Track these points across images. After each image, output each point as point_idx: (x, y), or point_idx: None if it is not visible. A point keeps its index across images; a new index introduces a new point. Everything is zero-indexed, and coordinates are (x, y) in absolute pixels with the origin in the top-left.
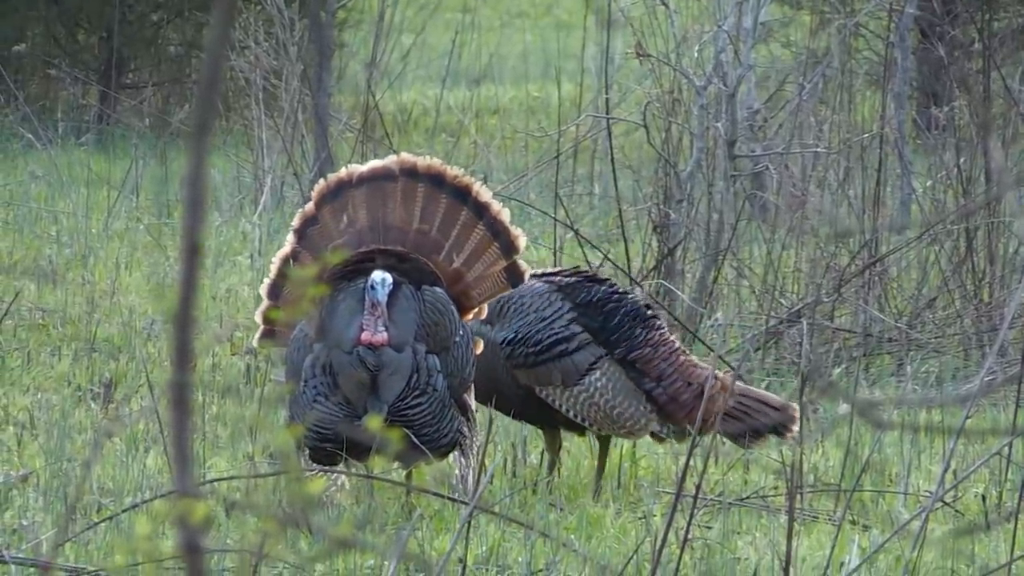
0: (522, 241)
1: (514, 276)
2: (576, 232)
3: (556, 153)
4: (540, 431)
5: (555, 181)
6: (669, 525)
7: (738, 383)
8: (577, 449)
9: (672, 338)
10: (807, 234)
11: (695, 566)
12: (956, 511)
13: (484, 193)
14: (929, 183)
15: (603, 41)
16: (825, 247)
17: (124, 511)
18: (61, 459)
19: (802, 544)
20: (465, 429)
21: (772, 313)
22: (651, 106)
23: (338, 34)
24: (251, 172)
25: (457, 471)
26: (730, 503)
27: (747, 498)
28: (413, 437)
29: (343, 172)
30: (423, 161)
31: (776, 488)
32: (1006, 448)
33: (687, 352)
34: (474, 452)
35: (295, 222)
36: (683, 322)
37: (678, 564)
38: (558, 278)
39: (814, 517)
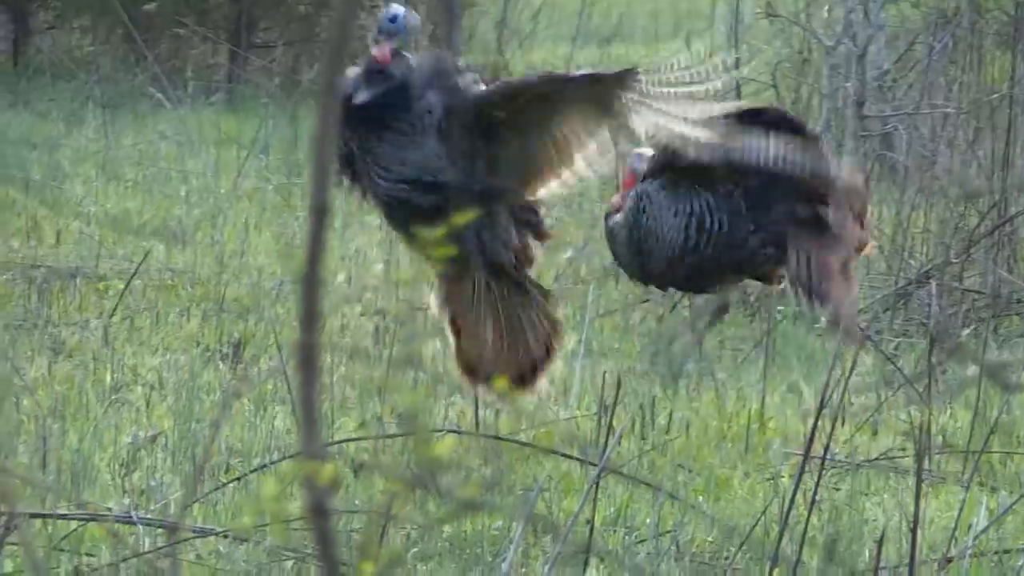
0: None
1: None
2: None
3: None
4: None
5: None
6: (797, 487)
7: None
8: (705, 409)
9: None
10: (936, 195)
11: (823, 527)
12: None
13: None
14: None
15: (733, 1)
16: (954, 208)
17: (252, 472)
18: (190, 419)
19: (930, 506)
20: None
21: (901, 274)
22: (781, 66)
23: None
24: None
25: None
26: (858, 464)
27: (875, 459)
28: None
29: None
30: None
31: (904, 450)
32: None
33: None
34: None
35: None
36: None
37: (806, 525)
38: None
39: (942, 479)
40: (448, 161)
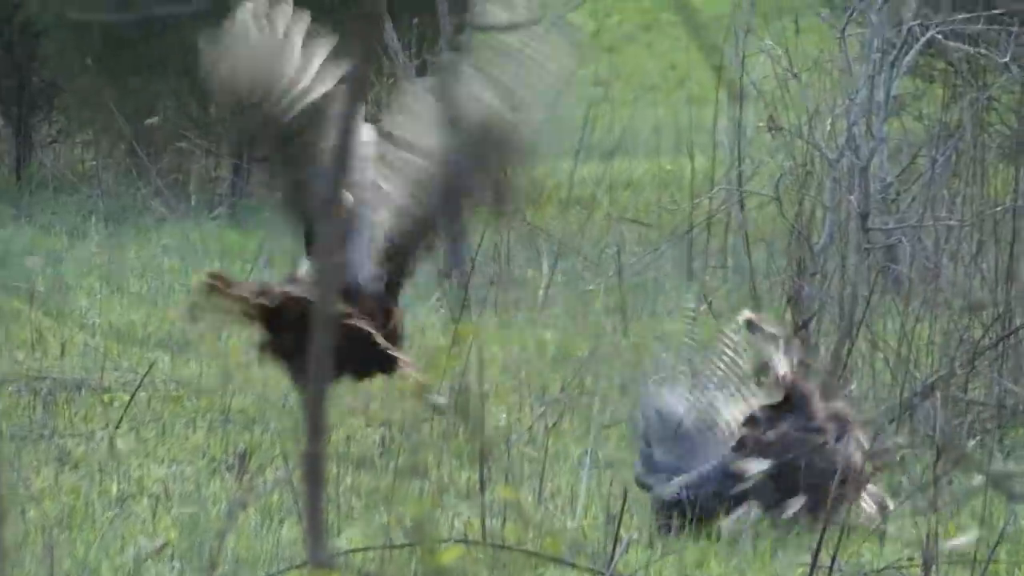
0: None
1: None
2: (710, 305)
3: (689, 227)
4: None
5: (688, 255)
6: None
7: None
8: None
9: None
10: (940, 307)
11: None
12: None
13: None
14: None
15: (735, 114)
16: (959, 320)
17: None
18: (196, 530)
19: None
20: None
21: (906, 385)
22: (784, 179)
23: None
24: None
25: None
26: (865, 574)
27: (883, 570)
28: None
29: None
30: None
31: (912, 560)
32: None
33: None
34: None
35: None
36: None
37: None
38: None
39: None
40: None
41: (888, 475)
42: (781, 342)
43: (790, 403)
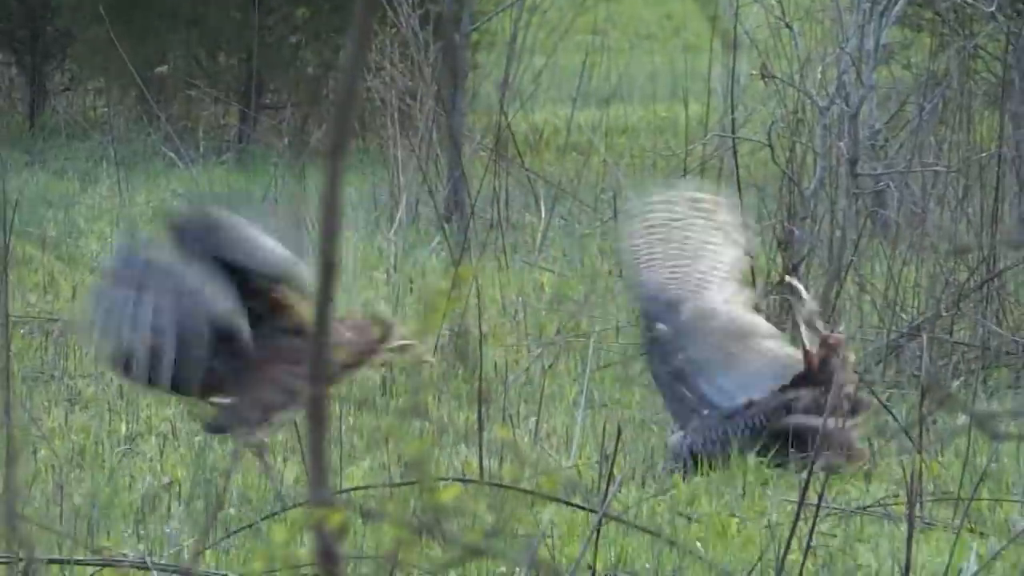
0: None
1: None
2: None
3: (683, 172)
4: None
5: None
6: (792, 533)
7: None
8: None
9: None
10: (927, 250)
11: (818, 572)
12: None
13: None
14: None
15: (729, 62)
16: (944, 263)
17: (263, 519)
18: (203, 468)
19: (922, 551)
20: None
21: (893, 327)
22: (776, 126)
23: (472, 55)
24: (387, 190)
25: None
26: (852, 511)
27: (869, 507)
28: None
29: None
30: None
31: (897, 497)
32: None
33: None
34: None
35: None
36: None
37: (801, 570)
38: None
39: (933, 525)
40: None
41: (874, 414)
42: (813, 316)
43: (812, 379)
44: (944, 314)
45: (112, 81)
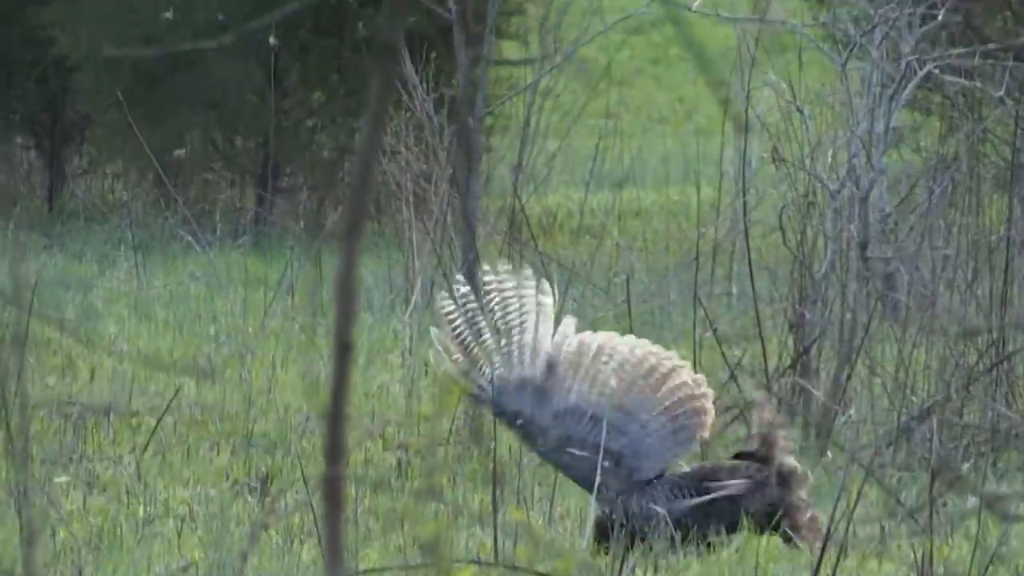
0: None
1: None
2: (715, 331)
3: (695, 255)
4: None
5: (695, 282)
6: None
7: None
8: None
9: None
10: (937, 333)
11: None
12: None
13: None
14: None
15: (740, 146)
16: (954, 346)
17: None
18: (220, 551)
19: None
20: None
21: (903, 410)
22: (787, 209)
23: (486, 139)
24: (402, 273)
25: None
26: None
27: None
28: None
29: None
30: None
31: None
32: None
33: None
34: None
35: None
36: (817, 418)
37: None
38: None
39: None
40: None
41: (885, 496)
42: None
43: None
44: (954, 397)
45: (130, 164)
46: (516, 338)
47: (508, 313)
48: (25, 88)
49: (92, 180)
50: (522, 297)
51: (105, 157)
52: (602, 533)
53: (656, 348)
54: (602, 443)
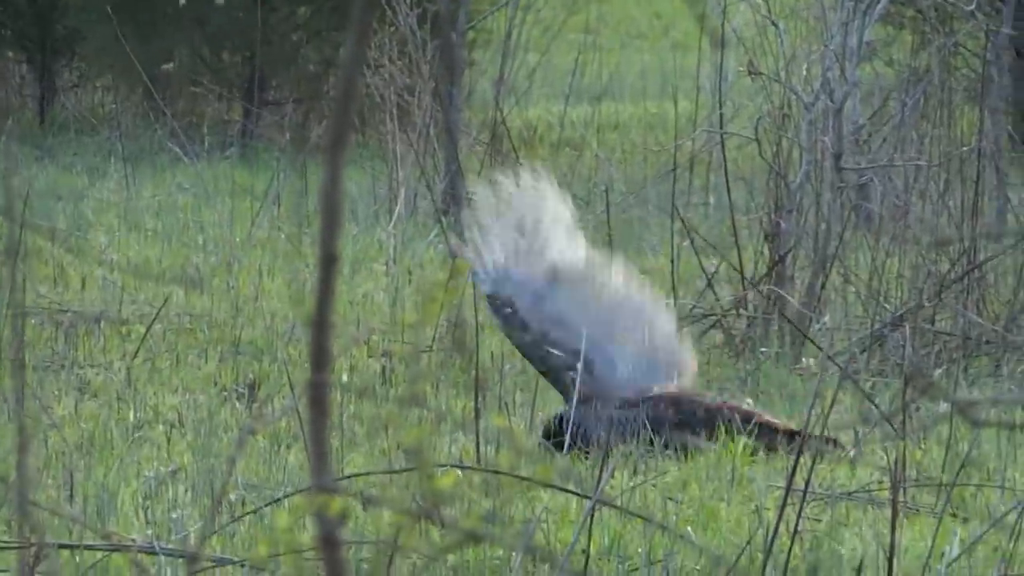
0: None
1: None
2: (692, 240)
3: (673, 166)
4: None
5: (672, 192)
6: (780, 518)
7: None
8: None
9: None
10: (909, 242)
11: (804, 556)
12: None
13: None
14: None
15: (717, 60)
16: (926, 254)
17: (266, 505)
18: (208, 455)
19: (905, 535)
20: None
21: (877, 317)
22: (762, 121)
23: (468, 53)
24: (386, 184)
25: None
26: (837, 497)
27: (854, 492)
28: None
29: None
30: None
31: (881, 483)
32: None
33: None
34: None
35: None
36: (794, 324)
37: (788, 554)
38: None
39: (916, 510)
40: None
41: (859, 402)
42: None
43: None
44: (926, 304)
45: (119, 78)
46: (528, 240)
47: (524, 217)
48: (15, 4)
49: (82, 93)
50: (542, 202)
51: (95, 71)
52: (546, 435)
53: (656, 296)
54: (582, 350)
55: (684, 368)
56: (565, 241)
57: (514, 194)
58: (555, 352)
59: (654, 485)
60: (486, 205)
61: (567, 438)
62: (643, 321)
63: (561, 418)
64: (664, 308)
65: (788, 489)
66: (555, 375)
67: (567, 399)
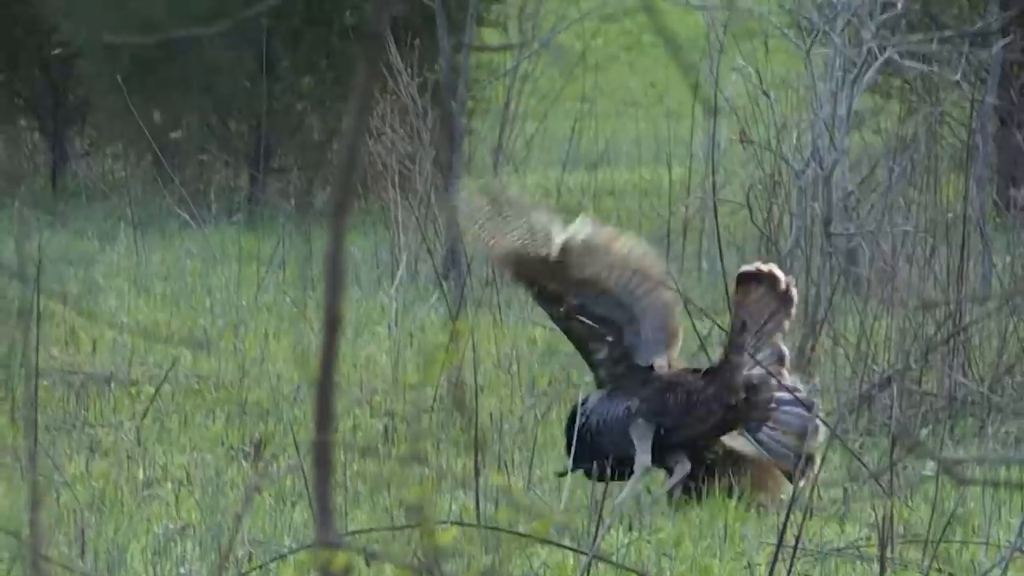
0: None
1: None
2: (686, 303)
3: (667, 232)
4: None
5: (666, 257)
6: (771, 574)
7: None
8: (687, 503)
9: None
10: (897, 305)
11: None
12: None
13: None
14: (1008, 258)
15: (710, 128)
16: (913, 317)
17: (272, 560)
18: (215, 512)
19: None
20: None
21: (865, 378)
22: (754, 188)
23: (467, 122)
24: (388, 249)
25: None
26: (827, 553)
27: (843, 549)
28: None
29: None
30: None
31: (869, 539)
32: None
33: None
34: None
35: None
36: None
37: None
38: None
39: (904, 566)
40: None
41: (848, 461)
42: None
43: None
44: (913, 366)
45: (129, 146)
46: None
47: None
48: (29, 73)
49: (93, 161)
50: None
51: (105, 139)
52: (571, 419)
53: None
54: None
55: (675, 340)
56: (561, 224)
57: (506, 195)
58: (585, 321)
59: (649, 541)
60: (476, 202)
61: (579, 422)
62: (652, 291)
63: (586, 401)
64: (665, 277)
65: (779, 545)
66: (584, 347)
67: (596, 376)
